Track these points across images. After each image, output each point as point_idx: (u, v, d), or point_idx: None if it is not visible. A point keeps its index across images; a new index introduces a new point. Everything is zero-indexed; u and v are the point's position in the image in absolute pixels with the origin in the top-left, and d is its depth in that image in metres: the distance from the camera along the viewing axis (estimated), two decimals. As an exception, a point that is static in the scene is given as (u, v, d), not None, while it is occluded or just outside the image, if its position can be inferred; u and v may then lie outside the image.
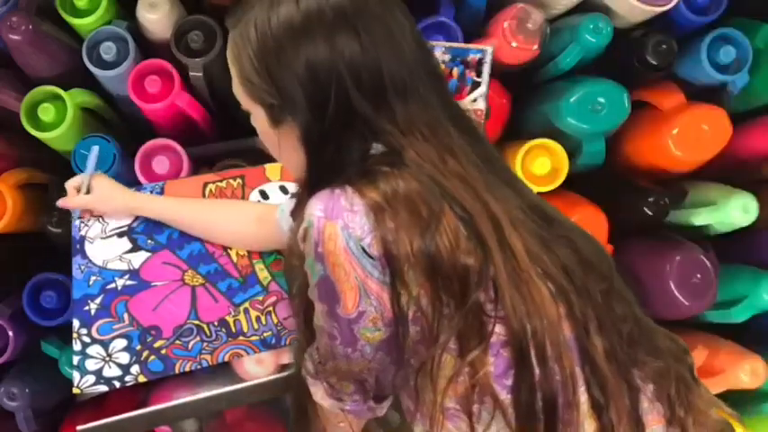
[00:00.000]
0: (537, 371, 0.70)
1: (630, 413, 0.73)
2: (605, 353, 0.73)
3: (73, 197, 1.10)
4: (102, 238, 1.10)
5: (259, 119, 0.80)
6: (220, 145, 1.35)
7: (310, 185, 0.76)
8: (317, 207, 0.70)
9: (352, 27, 0.71)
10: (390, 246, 0.68)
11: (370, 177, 0.71)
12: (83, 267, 1.05)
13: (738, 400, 1.35)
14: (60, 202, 1.11)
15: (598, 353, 0.73)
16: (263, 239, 1.06)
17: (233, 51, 0.77)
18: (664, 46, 1.25)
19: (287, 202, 1.02)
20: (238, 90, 0.79)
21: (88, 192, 1.10)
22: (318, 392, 0.81)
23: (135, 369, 0.92)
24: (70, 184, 1.11)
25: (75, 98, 1.23)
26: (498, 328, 0.70)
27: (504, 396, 0.71)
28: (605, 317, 0.75)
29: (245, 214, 1.09)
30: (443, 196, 0.70)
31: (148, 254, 1.07)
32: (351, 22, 0.71)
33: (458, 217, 0.70)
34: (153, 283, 1.03)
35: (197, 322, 0.98)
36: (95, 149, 1.14)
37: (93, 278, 1.03)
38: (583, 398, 0.72)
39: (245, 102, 0.79)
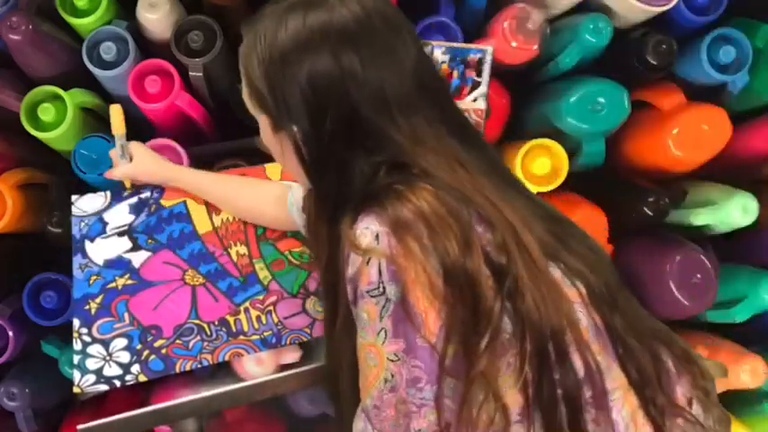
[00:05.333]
0: (557, 369, 0.70)
1: (661, 385, 0.75)
2: (629, 328, 0.75)
3: (117, 167, 1.15)
4: (102, 237, 1.10)
5: (263, 125, 0.82)
6: (220, 145, 1.35)
7: (320, 198, 0.79)
8: (375, 225, 0.69)
9: (355, 44, 0.73)
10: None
11: (393, 196, 0.70)
12: (83, 267, 1.05)
13: (738, 399, 1.35)
14: (107, 174, 1.16)
15: (622, 329, 0.74)
16: (280, 221, 1.10)
17: (243, 58, 0.80)
18: (664, 46, 1.25)
19: (295, 191, 1.05)
20: (246, 95, 0.82)
21: (130, 159, 1.15)
22: None
23: (135, 368, 0.92)
24: (113, 152, 1.17)
25: (75, 98, 1.23)
26: (509, 328, 0.69)
27: (516, 400, 0.70)
28: (617, 294, 0.76)
29: (265, 194, 1.13)
30: (466, 204, 0.70)
31: (149, 253, 1.08)
32: (354, 39, 0.73)
33: (482, 222, 0.70)
34: (153, 283, 1.03)
35: (197, 322, 0.98)
36: (117, 108, 1.18)
37: (93, 277, 1.04)
38: (617, 382, 0.73)
39: (252, 107, 0.82)
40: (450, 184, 0.71)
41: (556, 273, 0.73)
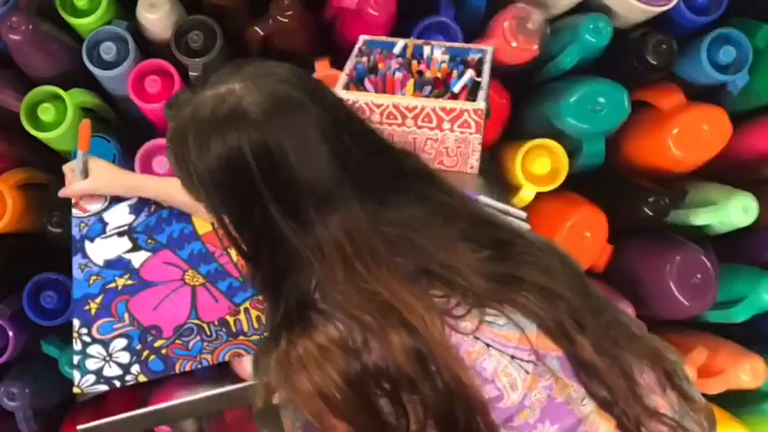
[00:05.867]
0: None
1: (633, 397, 0.72)
2: (592, 347, 0.72)
3: (72, 184, 1.10)
4: (102, 237, 1.10)
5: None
6: (220, 145, 1.34)
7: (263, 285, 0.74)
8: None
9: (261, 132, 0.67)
10: None
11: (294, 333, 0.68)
12: (83, 267, 1.05)
13: (738, 399, 1.35)
14: (61, 193, 1.11)
15: (586, 350, 0.71)
16: None
17: (171, 147, 0.75)
18: (664, 46, 1.25)
19: None
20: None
21: (87, 176, 1.09)
22: None
23: (135, 368, 0.92)
24: (67, 167, 1.11)
25: (75, 98, 1.23)
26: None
27: None
28: (582, 310, 0.73)
29: None
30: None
31: (149, 254, 1.07)
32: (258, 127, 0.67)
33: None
34: (153, 283, 1.03)
35: (197, 322, 0.98)
36: (87, 124, 1.10)
37: (93, 278, 1.03)
38: (589, 407, 0.71)
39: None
40: (351, 320, 0.67)
41: (498, 323, 0.70)
